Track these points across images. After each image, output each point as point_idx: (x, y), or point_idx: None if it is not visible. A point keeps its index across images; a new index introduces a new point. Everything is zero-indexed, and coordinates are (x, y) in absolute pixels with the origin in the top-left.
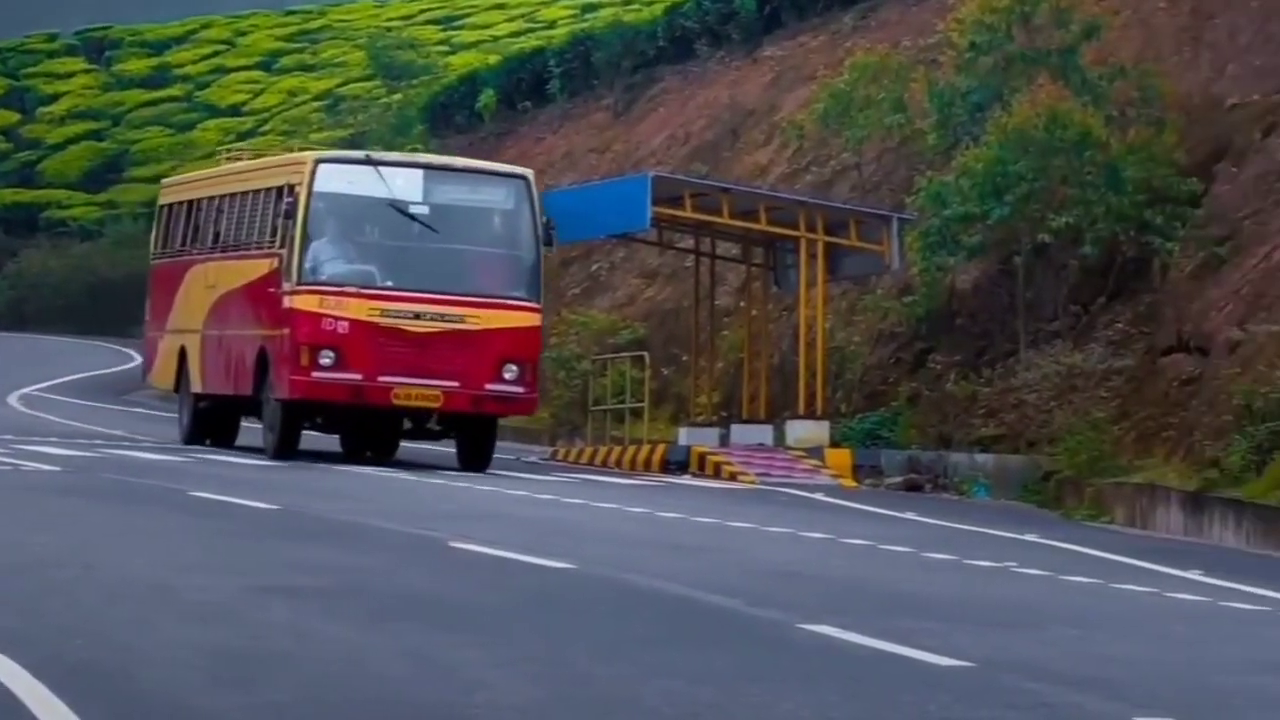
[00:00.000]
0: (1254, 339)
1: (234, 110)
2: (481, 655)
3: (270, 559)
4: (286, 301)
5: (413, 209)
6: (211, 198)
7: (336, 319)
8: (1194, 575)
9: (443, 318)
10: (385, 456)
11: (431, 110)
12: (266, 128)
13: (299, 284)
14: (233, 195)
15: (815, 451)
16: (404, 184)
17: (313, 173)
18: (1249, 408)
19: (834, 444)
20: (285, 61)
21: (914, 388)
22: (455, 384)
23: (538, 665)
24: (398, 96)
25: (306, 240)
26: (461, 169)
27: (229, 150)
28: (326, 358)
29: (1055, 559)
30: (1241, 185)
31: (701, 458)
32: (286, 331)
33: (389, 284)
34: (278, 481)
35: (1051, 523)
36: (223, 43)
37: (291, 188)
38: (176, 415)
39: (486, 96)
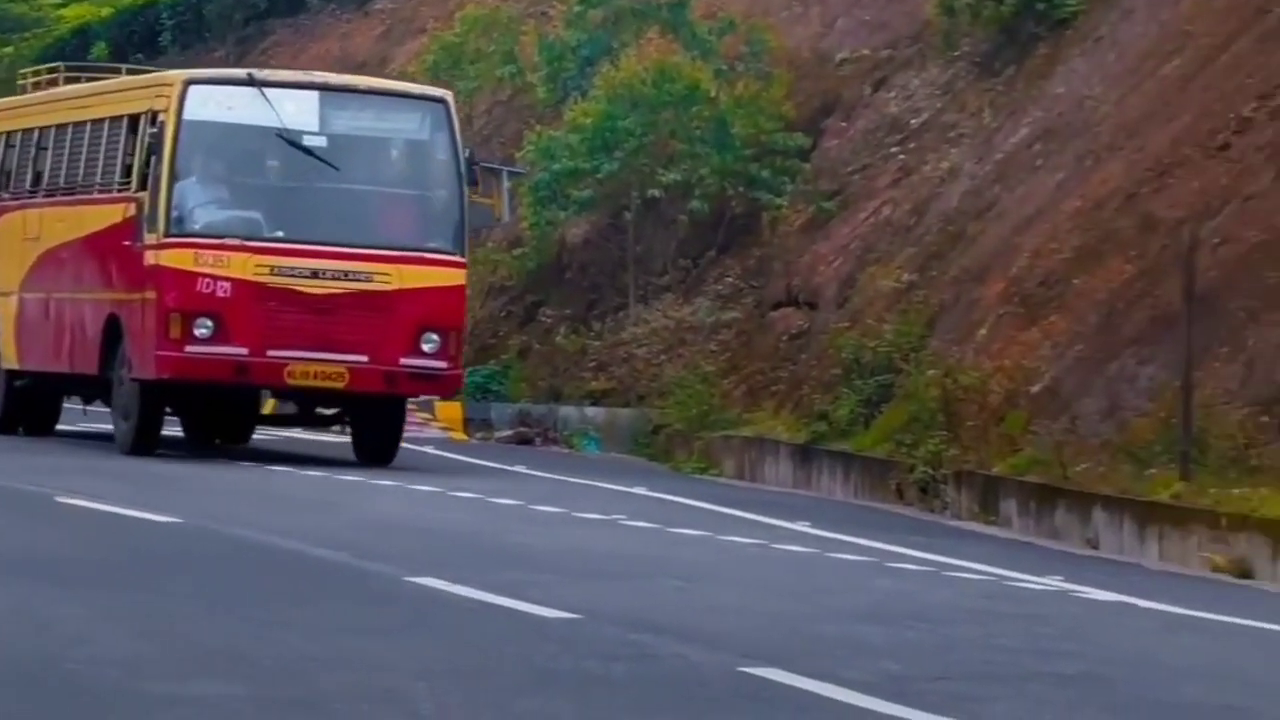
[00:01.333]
0: (862, 293)
1: None
2: (85, 610)
3: None
4: (150, 258)
5: (307, 140)
6: (29, 130)
7: (215, 279)
8: (801, 527)
9: (346, 275)
10: (238, 443)
11: (43, 63)
12: None
13: (167, 236)
14: (62, 127)
15: (425, 405)
16: (296, 110)
17: (181, 96)
18: (857, 361)
19: (444, 397)
20: None
21: (524, 341)
22: (363, 358)
23: (143, 620)
24: (9, 49)
25: (175, 181)
26: (366, 90)
27: (33, 73)
28: (203, 328)
29: (663, 511)
30: (850, 140)
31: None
32: (150, 295)
33: (279, 234)
34: None
35: (661, 476)
36: None
37: (154, 116)
38: None
39: (98, 49)
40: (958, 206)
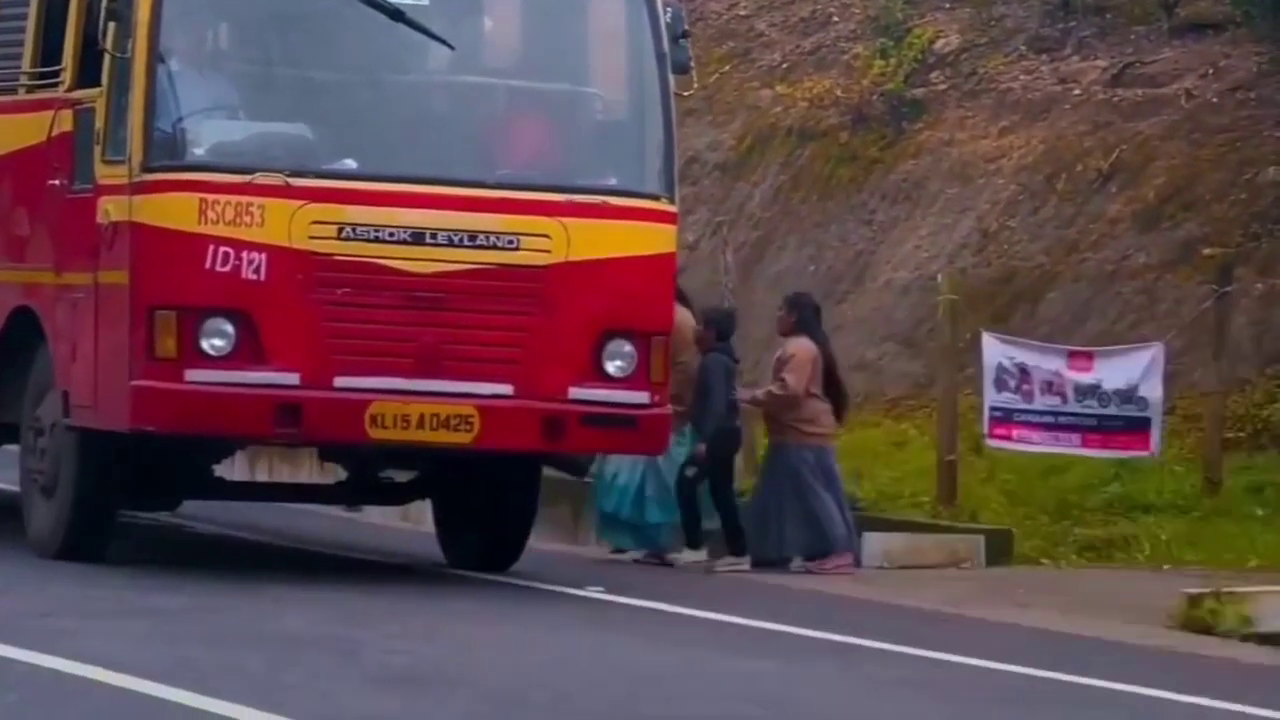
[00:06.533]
0: None
1: None
2: None
3: None
4: (110, 209)
5: None
6: None
7: (238, 248)
8: None
9: (472, 239)
10: (162, 509)
11: None
12: None
13: (145, 170)
14: None
15: None
16: None
17: None
18: None
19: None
20: None
21: None
22: (504, 389)
23: None
24: None
25: (156, 69)
26: None
27: None
28: (218, 337)
29: None
30: None
31: None
32: (113, 277)
33: (349, 165)
34: None
35: None
36: None
37: None
38: None
39: None
40: None
